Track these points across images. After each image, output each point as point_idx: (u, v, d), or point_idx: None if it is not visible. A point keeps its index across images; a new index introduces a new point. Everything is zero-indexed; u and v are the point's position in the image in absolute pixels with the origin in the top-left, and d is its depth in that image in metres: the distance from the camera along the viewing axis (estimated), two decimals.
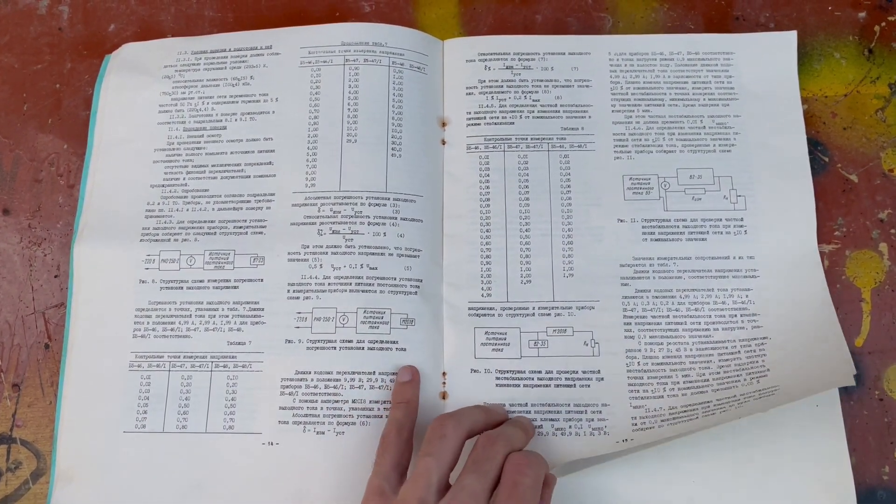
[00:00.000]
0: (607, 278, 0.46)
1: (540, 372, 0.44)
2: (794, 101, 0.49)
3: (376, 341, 0.44)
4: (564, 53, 0.50)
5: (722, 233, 0.46)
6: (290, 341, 0.45)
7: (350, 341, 0.44)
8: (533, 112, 0.49)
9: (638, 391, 0.44)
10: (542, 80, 0.50)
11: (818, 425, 0.43)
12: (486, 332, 0.45)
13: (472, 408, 0.42)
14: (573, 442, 0.43)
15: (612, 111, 0.49)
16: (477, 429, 0.40)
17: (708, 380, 0.43)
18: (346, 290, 0.45)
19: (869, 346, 0.45)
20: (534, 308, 0.46)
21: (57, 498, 0.43)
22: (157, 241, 0.47)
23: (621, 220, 0.47)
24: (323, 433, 0.43)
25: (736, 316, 0.45)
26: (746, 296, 0.45)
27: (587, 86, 0.50)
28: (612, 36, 0.51)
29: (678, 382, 0.44)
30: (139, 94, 0.50)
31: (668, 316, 0.45)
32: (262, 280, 0.46)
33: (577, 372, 0.44)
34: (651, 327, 0.45)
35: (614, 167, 0.48)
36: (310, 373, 0.44)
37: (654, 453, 0.43)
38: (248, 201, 0.48)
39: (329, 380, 0.44)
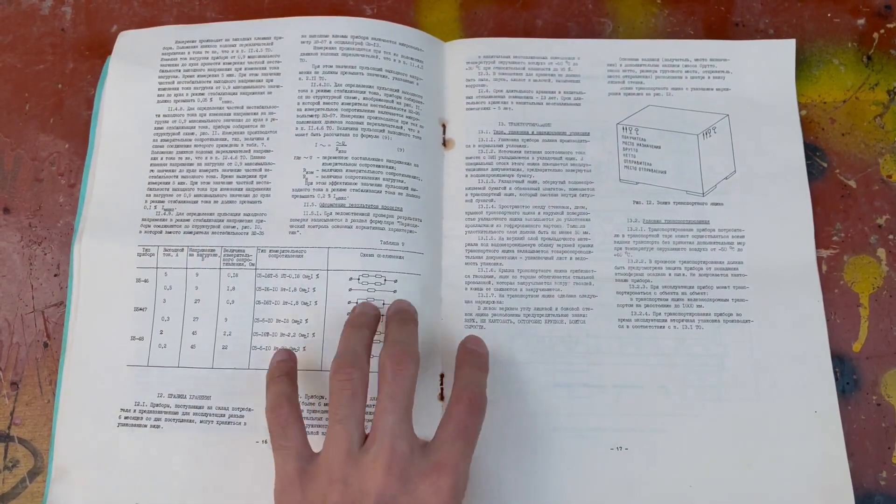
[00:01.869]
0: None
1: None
2: (791, 108, 0.49)
3: (377, 342, 0.44)
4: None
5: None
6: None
7: None
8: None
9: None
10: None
11: (816, 430, 0.43)
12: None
13: (358, 332, 0.41)
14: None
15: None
16: (371, 344, 0.41)
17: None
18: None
19: (867, 352, 0.45)
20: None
21: (53, 496, 0.43)
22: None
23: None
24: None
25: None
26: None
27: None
28: (611, 41, 0.51)
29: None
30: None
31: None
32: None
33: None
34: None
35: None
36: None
37: (653, 456, 0.43)
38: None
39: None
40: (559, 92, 0.50)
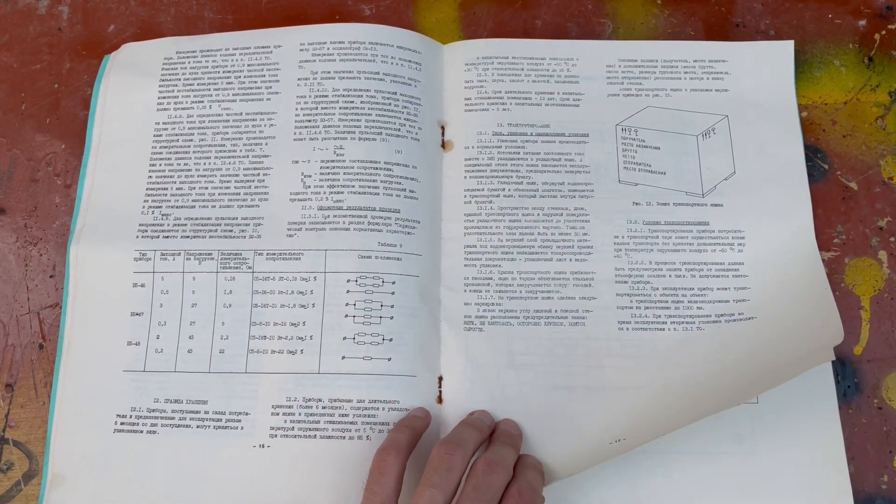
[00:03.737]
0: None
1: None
2: (791, 109, 0.49)
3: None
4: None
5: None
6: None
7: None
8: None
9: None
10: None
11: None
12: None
13: (470, 430, 0.41)
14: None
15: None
16: (476, 450, 0.40)
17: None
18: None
19: (868, 355, 0.45)
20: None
21: (49, 501, 0.43)
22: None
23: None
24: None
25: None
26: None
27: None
28: (610, 42, 0.51)
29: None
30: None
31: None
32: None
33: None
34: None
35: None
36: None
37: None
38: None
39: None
40: (558, 93, 0.49)
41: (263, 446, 0.43)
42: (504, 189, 0.48)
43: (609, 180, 0.48)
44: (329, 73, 0.50)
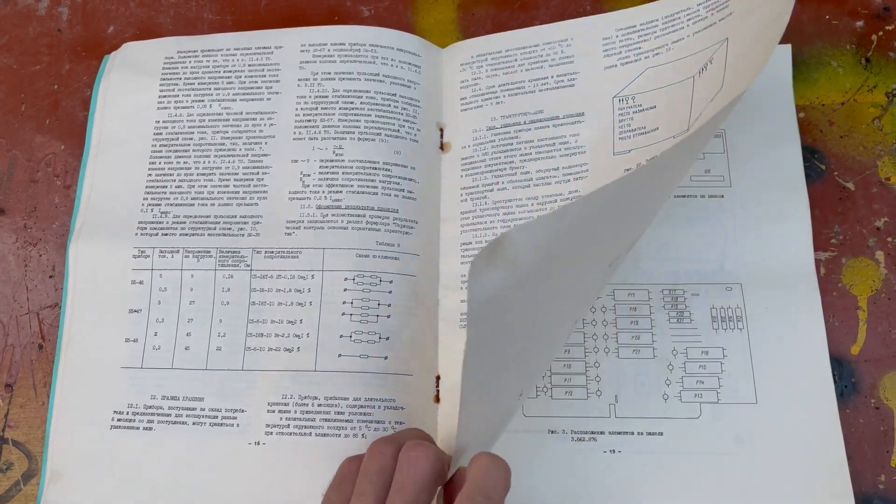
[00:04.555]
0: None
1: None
2: (789, 112, 0.49)
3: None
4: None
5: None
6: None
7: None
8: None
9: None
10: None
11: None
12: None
13: (411, 431, 0.40)
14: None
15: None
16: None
17: None
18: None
19: (865, 355, 0.45)
20: None
21: (47, 499, 0.43)
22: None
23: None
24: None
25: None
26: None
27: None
28: (607, 14, 0.50)
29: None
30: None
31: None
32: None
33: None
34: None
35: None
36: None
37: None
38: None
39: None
40: (552, 76, 0.49)
41: (259, 443, 0.43)
42: (498, 182, 0.48)
43: (604, 155, 0.47)
44: (329, 73, 0.50)
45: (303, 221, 0.47)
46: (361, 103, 0.49)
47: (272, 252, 0.46)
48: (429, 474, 0.34)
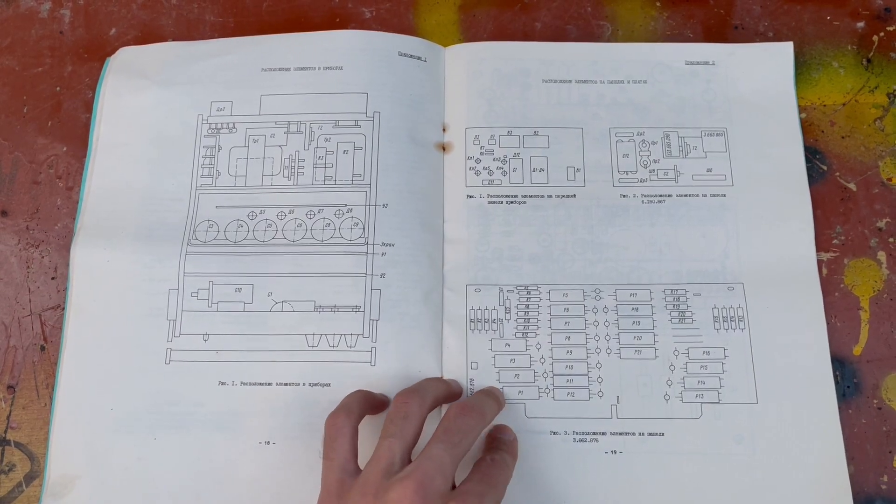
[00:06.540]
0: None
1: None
2: (791, 111, 0.49)
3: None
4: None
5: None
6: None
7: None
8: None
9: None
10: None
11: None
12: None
13: (434, 380, 0.42)
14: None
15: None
16: (440, 401, 0.41)
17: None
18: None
19: (867, 355, 0.45)
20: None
21: (49, 500, 0.43)
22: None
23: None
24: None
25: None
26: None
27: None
28: (609, 44, 0.51)
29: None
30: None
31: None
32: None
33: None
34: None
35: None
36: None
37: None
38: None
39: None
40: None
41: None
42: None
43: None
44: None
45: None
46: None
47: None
48: (474, 434, 0.38)
